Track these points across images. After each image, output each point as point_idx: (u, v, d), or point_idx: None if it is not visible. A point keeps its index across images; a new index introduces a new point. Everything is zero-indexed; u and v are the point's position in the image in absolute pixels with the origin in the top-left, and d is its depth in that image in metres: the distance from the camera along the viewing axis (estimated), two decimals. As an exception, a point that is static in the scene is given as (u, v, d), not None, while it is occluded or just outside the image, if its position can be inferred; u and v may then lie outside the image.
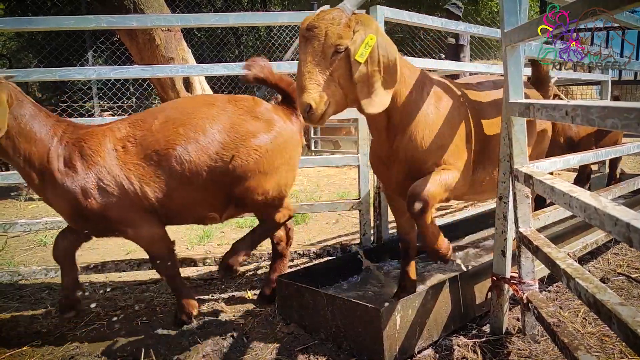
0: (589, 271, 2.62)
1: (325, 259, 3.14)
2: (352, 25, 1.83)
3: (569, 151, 3.72)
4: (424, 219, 2.03)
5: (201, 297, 2.82)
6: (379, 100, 1.87)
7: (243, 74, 2.39)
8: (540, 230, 2.06)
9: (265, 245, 3.79)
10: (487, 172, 2.37)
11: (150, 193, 2.18)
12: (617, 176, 4.65)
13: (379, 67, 1.86)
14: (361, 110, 1.93)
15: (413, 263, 2.47)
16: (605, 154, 2.55)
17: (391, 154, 2.15)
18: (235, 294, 2.86)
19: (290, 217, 2.53)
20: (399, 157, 2.13)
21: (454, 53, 7.19)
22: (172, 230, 4.06)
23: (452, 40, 7.34)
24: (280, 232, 2.71)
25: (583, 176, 4.32)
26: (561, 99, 3.65)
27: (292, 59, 8.89)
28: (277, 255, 2.72)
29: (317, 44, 1.81)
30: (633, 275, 2.74)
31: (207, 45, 10.47)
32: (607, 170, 4.88)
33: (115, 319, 2.55)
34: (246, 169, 2.25)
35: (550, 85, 3.71)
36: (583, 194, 1.30)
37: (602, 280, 2.70)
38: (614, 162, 4.65)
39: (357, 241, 3.32)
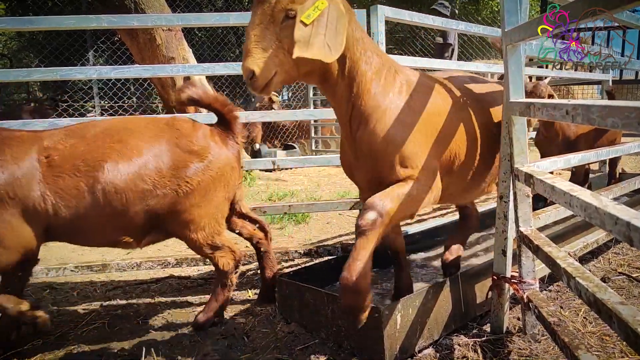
0: (590, 270, 2.62)
1: (325, 258, 3.14)
2: None
3: (566, 150, 3.73)
4: (368, 238, 1.77)
5: (202, 296, 2.83)
6: (313, 51, 1.70)
7: (177, 97, 2.30)
8: (540, 229, 2.06)
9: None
10: (465, 173, 2.21)
11: (63, 208, 2.03)
12: (617, 175, 4.66)
13: (323, 32, 1.72)
14: (315, 77, 1.87)
15: (406, 268, 2.44)
16: (606, 153, 2.55)
17: (355, 147, 2.00)
18: (236, 293, 2.86)
19: (237, 261, 2.40)
20: (363, 150, 1.97)
21: (440, 52, 7.24)
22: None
23: (440, 40, 7.42)
24: (259, 233, 2.65)
25: (578, 177, 4.33)
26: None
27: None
28: (262, 255, 2.68)
29: (267, 6, 1.70)
30: (634, 275, 2.74)
31: (207, 45, 10.48)
32: (607, 169, 4.89)
33: (116, 318, 2.55)
34: (174, 200, 2.15)
35: (545, 85, 3.73)
36: (583, 193, 1.30)
37: (603, 279, 2.70)
38: (614, 162, 4.65)
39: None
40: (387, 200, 1.82)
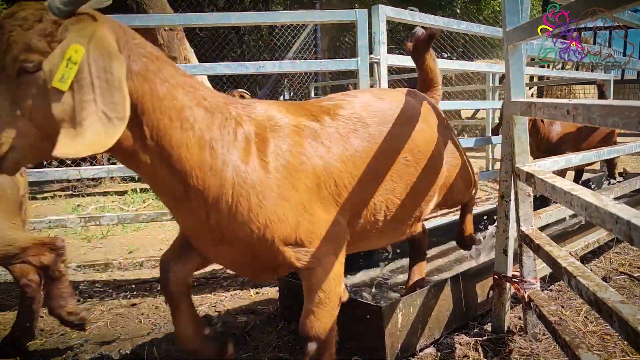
0: (591, 270, 2.62)
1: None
2: (57, 33, 1.16)
3: (551, 154, 3.75)
4: None
5: (204, 295, 2.84)
6: (90, 139, 1.13)
7: None
8: (542, 229, 2.07)
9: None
10: (371, 219, 1.76)
11: None
12: (617, 175, 4.65)
13: (93, 94, 1.15)
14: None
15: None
16: (606, 153, 2.56)
17: (210, 234, 1.46)
18: (238, 292, 2.87)
19: (56, 252, 2.09)
20: (228, 238, 1.45)
21: None
22: (176, 230, 4.07)
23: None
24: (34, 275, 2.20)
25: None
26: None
27: (294, 59, 8.90)
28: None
29: None
30: (635, 275, 2.75)
31: (209, 45, 10.49)
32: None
33: (118, 317, 2.56)
34: None
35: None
36: (584, 193, 1.31)
37: (604, 279, 2.70)
38: (611, 162, 4.62)
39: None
40: (314, 321, 1.57)
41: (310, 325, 1.57)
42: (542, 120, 4.07)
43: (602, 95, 4.91)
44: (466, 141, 4.42)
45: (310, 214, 1.51)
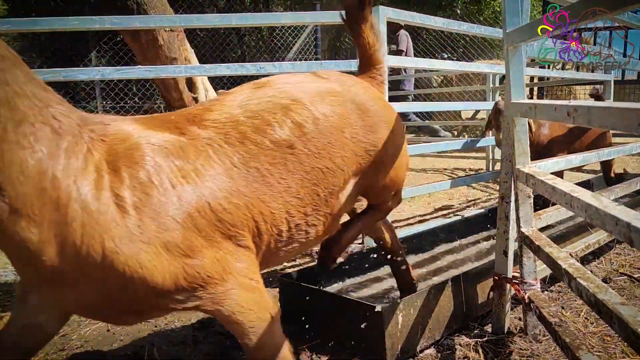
0: (591, 271, 2.62)
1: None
2: None
3: (539, 156, 3.74)
4: None
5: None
6: None
7: None
8: (542, 230, 2.07)
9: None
10: (273, 233, 1.51)
11: None
12: (614, 177, 4.61)
13: None
14: None
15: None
16: (607, 154, 2.56)
17: (48, 273, 1.21)
18: (237, 293, 2.87)
19: None
20: (75, 280, 1.22)
21: None
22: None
23: (394, 47, 7.74)
24: None
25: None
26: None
27: (295, 59, 8.91)
28: None
29: None
30: (635, 276, 2.75)
31: (209, 46, 10.50)
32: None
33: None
34: None
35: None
36: (584, 194, 1.31)
37: (604, 280, 2.70)
38: (607, 164, 4.59)
39: (359, 241, 3.32)
40: (258, 347, 1.43)
41: (256, 353, 1.45)
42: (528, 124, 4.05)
43: (599, 100, 4.90)
44: (455, 143, 4.39)
45: (189, 256, 1.27)
